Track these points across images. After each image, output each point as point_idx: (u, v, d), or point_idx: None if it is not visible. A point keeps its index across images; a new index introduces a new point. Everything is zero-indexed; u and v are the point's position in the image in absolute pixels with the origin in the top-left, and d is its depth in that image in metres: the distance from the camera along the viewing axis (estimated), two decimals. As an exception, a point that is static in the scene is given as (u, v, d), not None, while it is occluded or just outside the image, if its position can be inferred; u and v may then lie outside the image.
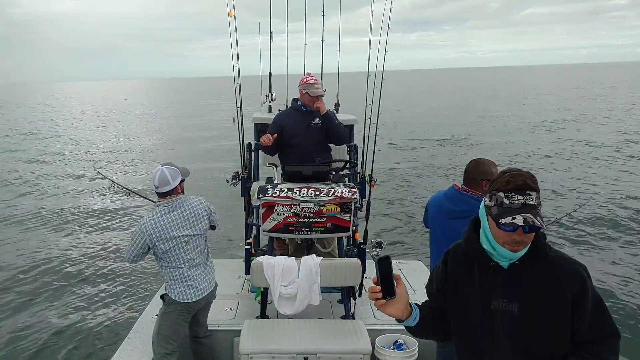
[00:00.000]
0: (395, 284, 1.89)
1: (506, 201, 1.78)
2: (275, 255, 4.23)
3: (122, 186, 6.25)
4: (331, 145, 5.02)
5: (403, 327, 4.25)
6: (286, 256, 4.13)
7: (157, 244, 3.64)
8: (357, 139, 5.24)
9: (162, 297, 3.85)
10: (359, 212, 4.78)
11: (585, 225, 10.37)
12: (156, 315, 4.01)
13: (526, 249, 1.85)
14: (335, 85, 5.86)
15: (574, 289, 1.83)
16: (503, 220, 1.75)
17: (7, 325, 6.85)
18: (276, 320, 4.07)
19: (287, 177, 4.34)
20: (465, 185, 3.45)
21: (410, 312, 1.99)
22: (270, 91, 5.75)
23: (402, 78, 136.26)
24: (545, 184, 13.81)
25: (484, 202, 1.91)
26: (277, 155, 4.98)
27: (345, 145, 5.25)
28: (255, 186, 4.58)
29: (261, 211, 4.07)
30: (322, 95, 4.70)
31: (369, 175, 5.02)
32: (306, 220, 4.05)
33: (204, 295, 3.85)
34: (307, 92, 4.68)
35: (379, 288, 1.87)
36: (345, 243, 4.67)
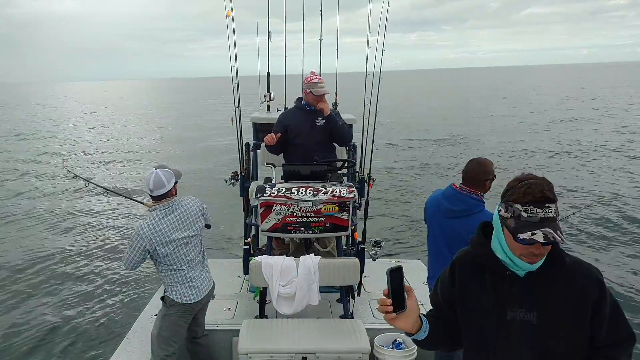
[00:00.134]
0: (406, 296, 1.81)
1: (524, 214, 1.70)
2: (274, 255, 4.23)
3: (97, 184, 6.15)
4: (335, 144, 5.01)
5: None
6: (285, 256, 4.13)
7: (157, 248, 3.60)
8: (356, 138, 5.25)
9: (162, 298, 3.82)
10: (357, 211, 4.79)
11: (583, 226, 10.37)
12: (155, 315, 4.00)
13: (544, 259, 1.80)
14: (334, 84, 5.86)
15: (593, 295, 1.79)
16: (522, 236, 1.68)
17: (3, 325, 6.85)
18: (275, 319, 4.07)
19: (286, 176, 4.33)
20: (465, 185, 3.44)
21: (420, 325, 1.90)
22: (268, 91, 5.75)
23: (402, 78, 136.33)
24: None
25: (498, 211, 1.82)
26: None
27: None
28: (253, 186, 4.58)
29: (259, 211, 4.07)
30: (325, 95, 4.69)
31: (367, 174, 5.03)
32: (304, 219, 4.05)
33: (204, 295, 3.85)
34: (310, 91, 4.68)
35: (389, 301, 1.77)
36: (344, 242, 4.67)
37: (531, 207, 1.69)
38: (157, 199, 3.67)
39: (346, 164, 4.93)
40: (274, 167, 4.92)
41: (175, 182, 3.77)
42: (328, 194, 4.02)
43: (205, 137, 26.65)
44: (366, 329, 3.87)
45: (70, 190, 14.94)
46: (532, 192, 1.70)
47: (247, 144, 5.39)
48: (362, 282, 4.70)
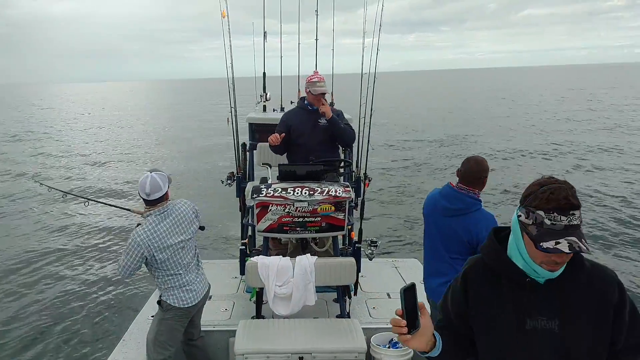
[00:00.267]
0: (420, 314, 1.71)
1: (547, 222, 1.61)
2: (271, 256, 4.23)
3: (76, 195, 5.96)
4: None
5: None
6: (281, 256, 4.13)
7: (155, 254, 3.54)
8: None
9: (158, 303, 3.77)
10: (354, 211, 4.79)
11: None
12: (152, 316, 3.99)
13: (564, 266, 1.72)
14: (330, 85, 5.86)
15: (614, 299, 1.74)
16: (545, 245, 1.59)
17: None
18: (271, 320, 4.07)
19: (281, 177, 4.33)
20: (463, 184, 3.45)
21: (434, 342, 1.80)
22: (264, 91, 5.76)
23: (400, 79, 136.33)
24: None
25: (518, 216, 1.72)
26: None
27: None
28: (249, 186, 4.58)
29: (255, 211, 4.06)
30: (324, 94, 4.68)
31: (363, 174, 5.03)
32: (300, 219, 4.05)
33: (201, 297, 3.84)
34: (310, 91, 4.68)
35: (404, 322, 1.66)
36: (340, 242, 4.67)
37: (555, 214, 1.60)
38: (152, 203, 3.60)
39: (342, 164, 4.94)
40: (270, 168, 4.92)
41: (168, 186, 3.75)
42: (324, 194, 4.02)
43: (202, 138, 26.64)
44: (363, 328, 3.87)
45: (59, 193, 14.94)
46: (556, 198, 1.61)
47: (244, 145, 5.39)
48: (359, 281, 4.70)
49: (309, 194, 4.01)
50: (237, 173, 5.24)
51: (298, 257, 4.06)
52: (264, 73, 5.81)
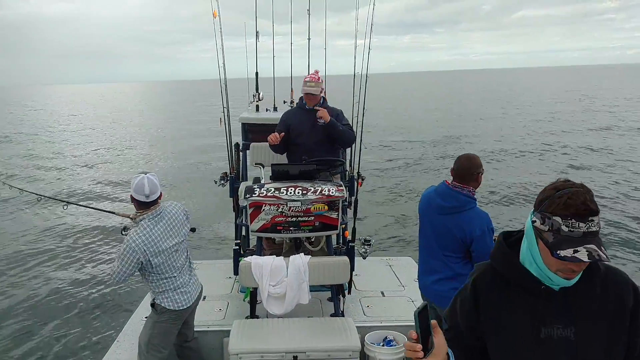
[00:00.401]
0: (432, 333, 1.62)
1: (564, 228, 1.52)
2: (264, 255, 4.23)
3: (32, 192, 5.83)
4: None
5: (392, 324, 4.26)
6: (274, 256, 4.13)
7: (150, 258, 3.48)
8: None
9: (152, 305, 3.73)
10: (348, 210, 4.80)
11: None
12: (145, 317, 3.97)
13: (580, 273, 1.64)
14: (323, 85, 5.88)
15: (630, 302, 1.69)
16: (563, 253, 1.51)
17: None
18: (265, 319, 4.08)
19: (274, 176, 4.34)
20: (458, 182, 3.47)
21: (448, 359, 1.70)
22: (257, 91, 5.76)
23: (395, 80, 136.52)
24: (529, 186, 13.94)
25: (532, 222, 1.63)
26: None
27: None
28: (242, 186, 4.58)
29: (249, 211, 4.07)
30: (313, 95, 4.68)
31: (357, 172, 5.05)
32: (294, 219, 4.05)
33: (194, 299, 3.83)
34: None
35: (419, 346, 1.56)
36: (334, 241, 4.68)
37: (573, 220, 1.51)
38: (148, 205, 3.55)
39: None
40: (263, 168, 4.92)
41: None
42: (317, 193, 4.03)
43: (196, 139, 26.59)
44: (357, 327, 3.88)
45: (53, 193, 14.86)
46: (574, 203, 1.52)
47: (237, 145, 5.39)
48: (353, 280, 4.72)
49: (302, 194, 4.02)
50: (231, 173, 5.25)
51: (292, 257, 4.06)
52: (257, 73, 5.82)
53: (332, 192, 4.05)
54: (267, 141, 4.73)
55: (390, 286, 5.08)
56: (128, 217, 3.78)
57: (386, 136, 24.52)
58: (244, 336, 3.72)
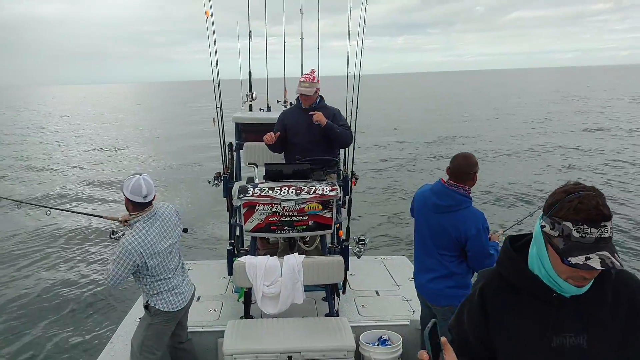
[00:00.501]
0: (443, 350, 1.55)
1: (575, 234, 1.45)
2: (259, 255, 4.22)
3: (11, 200, 5.66)
4: None
5: (387, 323, 4.26)
6: (269, 256, 4.12)
7: (147, 261, 3.45)
8: None
9: (146, 307, 3.70)
10: (342, 209, 4.79)
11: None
12: (139, 318, 3.95)
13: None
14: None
15: None
16: (574, 260, 1.44)
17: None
18: (260, 319, 4.06)
19: (268, 176, 4.32)
20: (454, 181, 3.47)
21: None
22: (250, 90, 5.75)
23: (389, 81, 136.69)
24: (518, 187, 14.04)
25: (541, 227, 1.55)
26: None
27: None
28: (236, 186, 4.57)
29: (242, 211, 4.05)
30: (307, 95, 4.66)
31: (350, 172, 5.04)
32: (288, 219, 4.04)
33: (188, 300, 3.82)
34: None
35: None
36: (328, 240, 4.67)
37: (584, 226, 1.44)
38: (142, 207, 3.51)
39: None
40: (257, 167, 4.91)
41: None
42: (311, 193, 4.02)
43: (190, 139, 26.54)
44: (351, 326, 3.88)
45: (37, 198, 14.78)
46: (586, 208, 1.44)
47: (230, 144, 5.37)
48: (347, 279, 4.71)
49: (296, 193, 4.01)
50: (224, 173, 5.23)
51: (286, 257, 4.06)
52: (250, 72, 5.80)
53: (326, 192, 4.04)
54: (260, 141, 4.72)
55: (385, 285, 5.08)
56: (116, 220, 3.73)
57: (380, 136, 24.60)
58: (238, 336, 3.71)
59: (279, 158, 4.99)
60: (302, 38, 5.80)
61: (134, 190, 3.46)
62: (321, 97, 4.82)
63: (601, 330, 1.60)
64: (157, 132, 31.80)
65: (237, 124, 5.53)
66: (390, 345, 3.96)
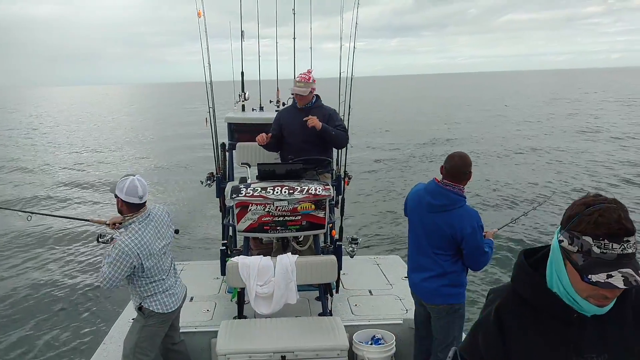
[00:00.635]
0: None
1: (596, 250, 1.35)
2: (252, 255, 4.21)
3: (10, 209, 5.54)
4: None
5: (380, 322, 4.27)
6: (262, 256, 4.12)
7: (143, 262, 3.42)
8: None
9: (139, 309, 3.66)
10: (335, 209, 4.80)
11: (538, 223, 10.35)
12: (132, 319, 3.93)
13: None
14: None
15: None
16: (594, 278, 1.34)
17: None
18: (253, 320, 4.06)
19: (261, 176, 4.32)
20: (448, 180, 3.48)
21: None
22: (243, 90, 5.74)
23: (381, 84, 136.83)
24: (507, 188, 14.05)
25: (559, 241, 1.45)
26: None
27: None
28: (229, 186, 4.56)
29: (235, 211, 4.05)
30: (301, 95, 4.65)
31: (343, 171, 5.05)
32: (281, 218, 4.04)
33: (181, 301, 3.81)
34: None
35: None
36: (321, 240, 4.68)
37: (605, 241, 1.34)
38: (137, 208, 3.49)
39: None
40: (249, 167, 4.90)
41: None
42: (304, 193, 4.03)
43: (183, 139, 26.48)
44: (345, 325, 3.88)
45: (26, 199, 14.68)
46: (607, 221, 1.35)
47: (223, 144, 5.36)
48: (340, 279, 4.72)
49: (289, 193, 4.01)
50: (217, 173, 5.23)
51: (279, 256, 4.06)
52: (242, 72, 5.80)
53: (319, 191, 4.05)
54: (253, 141, 4.71)
55: (378, 285, 5.09)
56: (104, 223, 3.71)
57: (372, 137, 24.71)
58: (231, 337, 3.71)
59: (272, 158, 4.99)
60: (294, 38, 5.81)
61: (130, 192, 3.44)
62: (317, 96, 4.80)
63: (623, 351, 1.52)
64: (149, 133, 31.68)
65: (229, 124, 5.53)
66: (383, 344, 3.97)
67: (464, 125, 30.29)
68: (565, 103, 45.20)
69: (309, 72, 4.76)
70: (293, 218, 4.05)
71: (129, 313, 4.54)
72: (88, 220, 4.13)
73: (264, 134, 4.63)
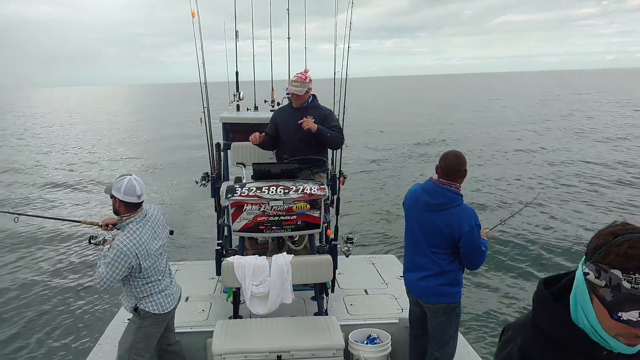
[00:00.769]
0: None
1: (626, 284, 1.23)
2: (247, 255, 4.21)
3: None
4: None
5: (376, 322, 4.27)
6: (257, 255, 4.12)
7: (142, 262, 3.40)
8: None
9: (135, 310, 3.63)
10: (330, 208, 4.80)
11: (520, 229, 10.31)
12: (128, 319, 3.92)
13: None
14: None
15: None
16: (625, 316, 1.23)
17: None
18: (249, 319, 4.06)
19: (256, 176, 4.32)
20: (444, 179, 3.49)
21: None
22: (237, 90, 5.73)
23: (376, 84, 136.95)
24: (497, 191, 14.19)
25: (584, 274, 1.32)
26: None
27: None
28: (224, 186, 4.56)
29: (230, 211, 4.04)
30: (297, 94, 4.64)
31: (339, 171, 5.05)
32: (276, 218, 4.04)
33: (177, 301, 3.80)
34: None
35: None
36: (317, 240, 4.68)
37: (637, 275, 1.22)
38: (135, 207, 3.48)
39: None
40: (245, 167, 4.90)
41: None
42: (299, 192, 4.02)
43: (178, 139, 26.44)
44: (340, 325, 3.88)
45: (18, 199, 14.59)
46: (638, 254, 1.23)
47: (218, 144, 5.36)
48: (336, 278, 4.72)
49: (284, 193, 4.01)
50: (212, 173, 5.22)
51: (274, 256, 4.05)
52: (237, 72, 5.79)
53: (314, 191, 4.05)
54: (248, 140, 4.71)
55: (374, 284, 5.10)
56: (96, 224, 3.69)
57: (367, 137, 24.77)
58: (227, 336, 3.71)
59: (267, 158, 4.98)
60: (289, 38, 5.81)
61: (128, 191, 3.42)
62: (314, 96, 4.78)
63: None
64: (143, 134, 31.59)
65: (224, 124, 5.52)
66: (379, 343, 3.97)
67: (459, 125, 30.37)
68: (561, 104, 45.33)
69: (306, 71, 4.75)
70: (288, 218, 4.04)
71: (125, 313, 4.52)
72: (79, 222, 4.10)
73: (256, 133, 4.61)
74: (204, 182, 5.24)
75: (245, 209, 4.01)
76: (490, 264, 8.30)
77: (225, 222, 4.41)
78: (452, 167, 3.48)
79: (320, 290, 4.41)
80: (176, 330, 4.04)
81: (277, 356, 3.58)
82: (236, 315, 4.27)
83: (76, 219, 4.25)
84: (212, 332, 3.81)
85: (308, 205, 4.05)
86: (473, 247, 3.43)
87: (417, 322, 3.82)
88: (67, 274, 8.84)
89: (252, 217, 4.02)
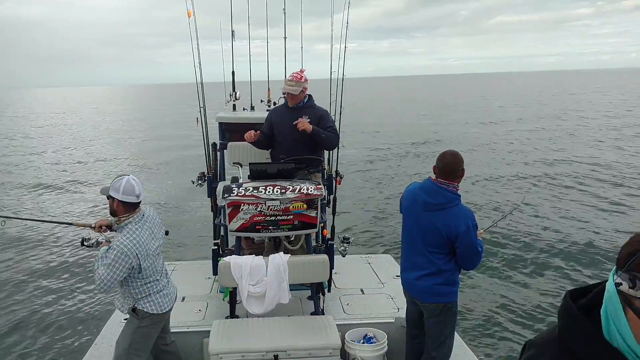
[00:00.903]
0: None
1: None
2: (243, 255, 4.21)
3: None
4: None
5: (372, 321, 4.27)
6: (254, 255, 4.12)
7: (141, 262, 3.39)
8: None
9: (133, 310, 3.61)
10: (327, 208, 4.80)
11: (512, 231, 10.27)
12: (125, 319, 3.91)
13: None
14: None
15: None
16: None
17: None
18: (245, 319, 4.06)
19: (253, 176, 4.32)
20: (443, 179, 3.49)
21: None
22: (234, 90, 5.73)
23: (372, 85, 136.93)
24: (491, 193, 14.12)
25: (615, 283, 1.20)
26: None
27: None
28: (220, 186, 4.55)
29: (227, 211, 4.04)
30: (292, 94, 4.63)
31: (335, 171, 5.06)
32: (273, 218, 4.04)
33: (174, 300, 3.80)
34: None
35: None
36: (313, 239, 4.68)
37: None
38: (133, 207, 3.47)
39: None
40: (241, 167, 4.89)
41: None
42: (296, 192, 4.02)
43: (175, 139, 26.39)
44: (337, 324, 3.89)
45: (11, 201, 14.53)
46: None
47: (214, 144, 5.35)
48: (332, 278, 4.72)
49: (281, 193, 4.01)
50: (208, 173, 5.21)
51: (271, 256, 4.05)
52: (233, 72, 5.79)
53: (311, 191, 4.05)
54: (244, 140, 4.70)
55: (370, 284, 5.10)
56: (89, 226, 3.68)
57: (364, 137, 24.77)
58: (224, 336, 3.71)
59: (263, 158, 4.97)
60: (285, 37, 5.81)
61: (127, 191, 3.41)
62: (310, 96, 4.77)
63: None
64: (141, 134, 31.53)
65: (220, 124, 5.51)
66: (375, 342, 3.98)
67: (454, 125, 30.43)
68: (557, 104, 45.45)
69: (302, 71, 4.73)
70: (285, 217, 4.05)
71: (121, 313, 4.52)
72: (71, 224, 4.08)
73: (252, 131, 4.60)
74: (200, 182, 5.24)
75: (242, 209, 4.00)
76: (486, 264, 8.33)
77: (222, 222, 4.40)
78: (450, 166, 3.48)
79: (317, 290, 4.41)
80: (173, 330, 4.04)
81: (274, 356, 3.58)
82: (233, 315, 4.27)
83: (68, 221, 4.18)
84: (208, 331, 3.81)
85: (305, 205, 4.05)
86: (469, 247, 3.44)
87: (414, 321, 3.83)
88: (60, 275, 8.81)
89: (248, 217, 4.02)
